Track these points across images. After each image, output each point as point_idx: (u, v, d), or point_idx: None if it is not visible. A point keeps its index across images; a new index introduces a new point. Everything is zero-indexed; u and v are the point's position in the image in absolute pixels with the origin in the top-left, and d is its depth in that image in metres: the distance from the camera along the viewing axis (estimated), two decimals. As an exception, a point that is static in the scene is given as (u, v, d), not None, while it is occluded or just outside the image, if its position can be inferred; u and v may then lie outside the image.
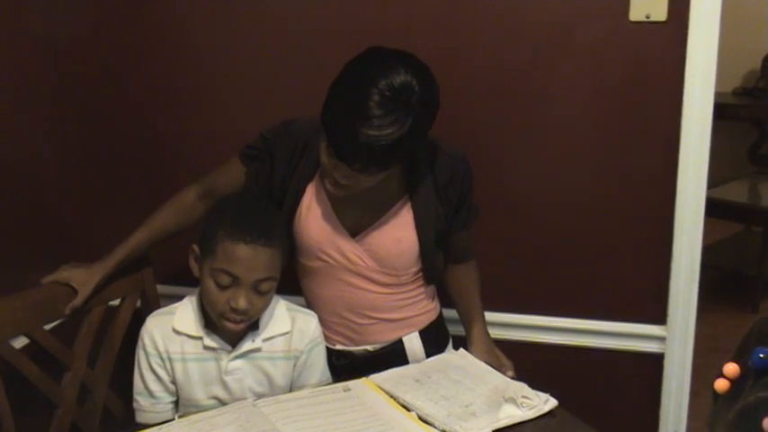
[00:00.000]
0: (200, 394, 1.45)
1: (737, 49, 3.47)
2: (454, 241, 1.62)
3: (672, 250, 1.78)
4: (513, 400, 1.34)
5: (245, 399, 1.40)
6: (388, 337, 1.60)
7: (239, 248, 1.35)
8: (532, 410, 1.34)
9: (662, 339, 1.84)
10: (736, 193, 3.73)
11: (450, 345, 1.69)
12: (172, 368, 1.44)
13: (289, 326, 1.48)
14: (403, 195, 1.53)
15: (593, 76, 1.75)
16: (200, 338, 1.43)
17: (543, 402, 1.36)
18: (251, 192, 1.57)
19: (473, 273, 1.70)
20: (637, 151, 1.77)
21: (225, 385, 1.45)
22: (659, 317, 1.83)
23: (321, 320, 1.55)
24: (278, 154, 1.53)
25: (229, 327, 1.40)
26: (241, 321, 1.39)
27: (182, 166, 1.91)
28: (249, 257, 1.35)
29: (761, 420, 0.62)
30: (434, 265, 1.59)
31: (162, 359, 1.44)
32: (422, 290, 1.61)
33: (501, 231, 1.85)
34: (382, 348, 1.60)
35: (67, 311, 1.54)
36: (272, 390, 1.47)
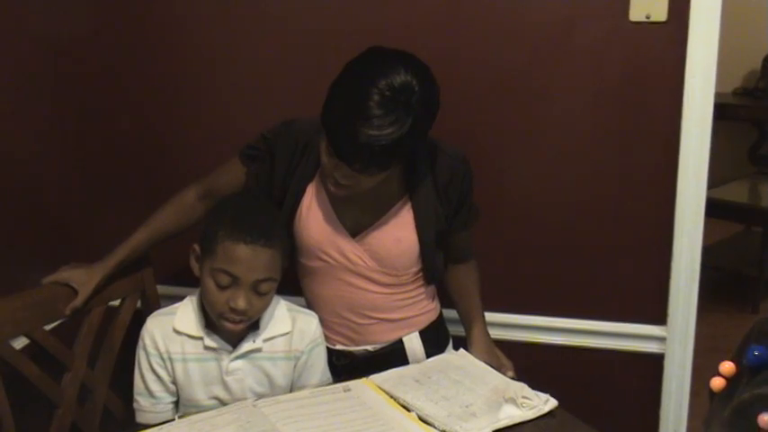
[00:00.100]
0: (200, 394, 1.45)
1: (737, 49, 3.46)
2: (454, 241, 1.62)
3: (672, 250, 1.78)
4: (513, 401, 1.34)
5: (245, 399, 1.40)
6: (388, 337, 1.60)
7: (239, 249, 1.35)
8: (532, 411, 1.34)
9: (662, 340, 1.84)
10: (737, 193, 3.73)
11: (451, 345, 1.69)
12: (172, 368, 1.44)
13: (289, 326, 1.48)
14: (403, 195, 1.53)
15: (593, 76, 1.75)
16: (201, 339, 1.43)
17: (543, 403, 1.36)
18: (251, 192, 1.57)
19: (473, 273, 1.70)
20: (637, 151, 1.77)
21: (225, 385, 1.45)
22: (659, 317, 1.83)
23: (321, 320, 1.55)
24: (278, 154, 1.53)
25: (228, 327, 1.40)
26: (240, 322, 1.39)
27: (182, 166, 1.91)
28: (249, 258, 1.35)
29: (756, 417, 0.63)
30: (435, 266, 1.59)
31: (162, 359, 1.44)
32: (422, 290, 1.61)
33: (501, 231, 1.85)
34: (382, 348, 1.60)
35: (68, 312, 1.54)
36: (273, 390, 1.47)
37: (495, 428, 1.30)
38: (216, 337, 1.43)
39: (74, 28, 1.92)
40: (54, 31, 1.93)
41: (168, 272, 1.78)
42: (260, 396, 1.43)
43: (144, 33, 1.91)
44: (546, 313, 1.90)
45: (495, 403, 1.36)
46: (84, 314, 1.58)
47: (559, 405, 1.37)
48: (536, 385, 1.40)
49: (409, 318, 1.61)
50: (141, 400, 1.46)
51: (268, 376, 1.47)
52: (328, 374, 1.54)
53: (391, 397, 1.39)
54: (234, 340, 1.44)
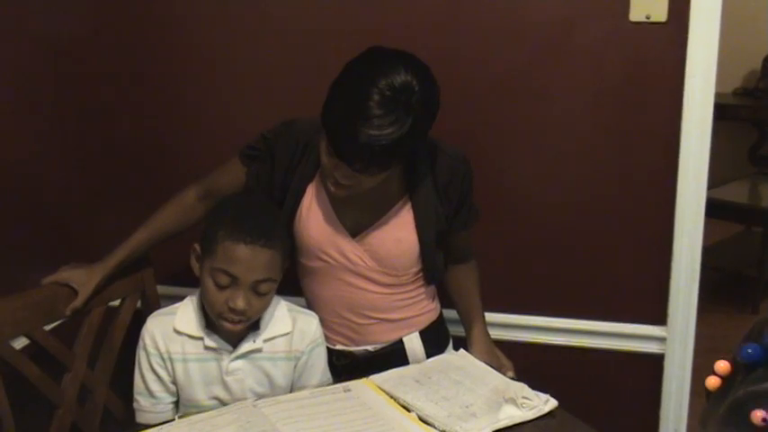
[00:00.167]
0: (200, 394, 1.45)
1: (737, 49, 3.46)
2: (454, 241, 1.62)
3: (672, 251, 1.78)
4: (513, 401, 1.34)
5: (245, 399, 1.40)
6: (388, 337, 1.60)
7: (239, 249, 1.35)
8: (532, 411, 1.34)
9: (662, 340, 1.84)
10: (737, 193, 3.72)
11: (451, 345, 1.69)
12: (172, 368, 1.44)
13: (290, 326, 1.48)
14: (403, 195, 1.53)
15: (593, 76, 1.75)
16: (201, 339, 1.43)
17: (543, 403, 1.36)
18: (253, 192, 1.57)
19: (473, 273, 1.70)
20: (637, 151, 1.77)
21: (225, 386, 1.45)
22: (659, 317, 1.83)
23: (321, 320, 1.55)
24: (278, 154, 1.53)
25: (227, 327, 1.40)
26: (239, 322, 1.39)
27: (182, 166, 1.91)
28: (248, 258, 1.35)
29: (750, 413, 0.63)
30: (435, 266, 1.59)
31: (163, 359, 1.44)
32: (422, 290, 1.61)
33: (501, 231, 1.85)
34: (383, 348, 1.60)
35: (68, 312, 1.54)
36: (273, 390, 1.47)
37: (495, 429, 1.30)
38: (216, 337, 1.43)
39: (74, 28, 1.93)
40: (54, 31, 1.93)
41: (168, 272, 1.77)
42: (260, 396, 1.43)
43: (144, 33, 1.91)
44: (546, 313, 1.90)
45: (496, 403, 1.36)
46: (84, 314, 1.58)
47: (559, 405, 1.37)
48: (536, 385, 1.39)
49: (409, 318, 1.61)
50: (141, 400, 1.46)
51: (268, 376, 1.47)
52: (328, 375, 1.54)
53: (391, 397, 1.39)
54: (234, 340, 1.44)
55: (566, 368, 1.89)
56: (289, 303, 1.51)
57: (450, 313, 1.71)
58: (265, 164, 1.55)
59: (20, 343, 1.56)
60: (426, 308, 1.64)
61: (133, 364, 1.47)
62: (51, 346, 1.53)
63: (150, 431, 1.31)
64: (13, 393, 1.45)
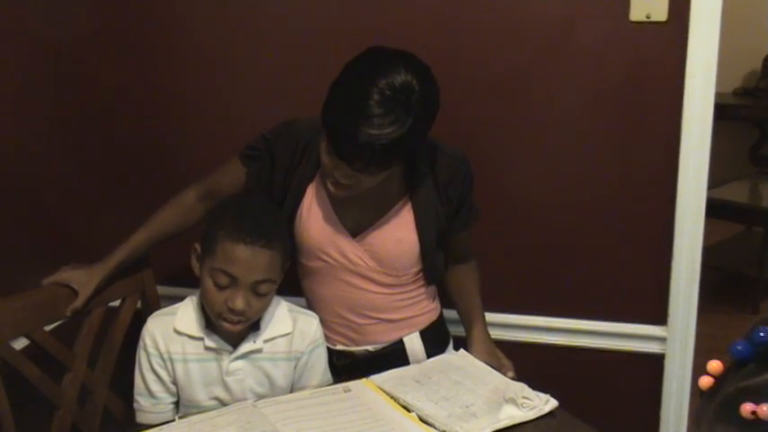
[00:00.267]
0: (200, 395, 1.45)
1: (738, 49, 3.46)
2: (454, 241, 1.62)
3: (672, 251, 1.77)
4: (513, 401, 1.34)
5: (245, 399, 1.40)
6: (388, 337, 1.60)
7: (239, 249, 1.35)
8: (533, 411, 1.34)
9: (662, 340, 1.84)
10: (737, 193, 3.72)
11: (451, 345, 1.69)
12: (173, 368, 1.44)
13: (290, 327, 1.48)
14: (403, 196, 1.53)
15: (593, 76, 1.75)
16: (201, 339, 1.43)
17: (543, 403, 1.36)
18: (254, 192, 1.57)
19: (473, 273, 1.70)
20: (637, 151, 1.77)
21: (226, 386, 1.44)
22: (660, 317, 1.83)
23: (322, 321, 1.55)
24: (278, 154, 1.53)
25: (227, 327, 1.40)
26: (239, 322, 1.39)
27: (182, 166, 1.91)
28: (248, 258, 1.35)
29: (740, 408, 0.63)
30: (435, 266, 1.59)
31: (163, 359, 1.44)
32: (422, 290, 1.61)
33: (501, 231, 1.85)
34: (383, 348, 1.60)
35: (68, 313, 1.54)
36: (273, 391, 1.47)
37: (495, 429, 1.30)
38: (216, 337, 1.43)
39: (74, 28, 1.92)
40: (54, 31, 1.93)
41: (168, 272, 1.77)
42: (260, 396, 1.43)
43: (144, 33, 1.91)
44: (546, 313, 1.90)
45: (496, 404, 1.36)
46: (84, 315, 1.58)
47: (560, 405, 1.37)
48: (536, 385, 1.40)
49: (409, 318, 1.61)
50: (142, 401, 1.46)
51: (268, 377, 1.47)
52: (329, 375, 1.54)
53: (391, 397, 1.39)
54: (234, 341, 1.44)
55: (566, 368, 1.89)
56: (289, 304, 1.51)
57: (451, 313, 1.71)
58: (265, 164, 1.55)
59: (20, 343, 1.56)
60: (426, 308, 1.64)
61: (133, 364, 1.47)
62: (51, 347, 1.53)
63: (151, 431, 1.31)
64: (13, 394, 1.45)
